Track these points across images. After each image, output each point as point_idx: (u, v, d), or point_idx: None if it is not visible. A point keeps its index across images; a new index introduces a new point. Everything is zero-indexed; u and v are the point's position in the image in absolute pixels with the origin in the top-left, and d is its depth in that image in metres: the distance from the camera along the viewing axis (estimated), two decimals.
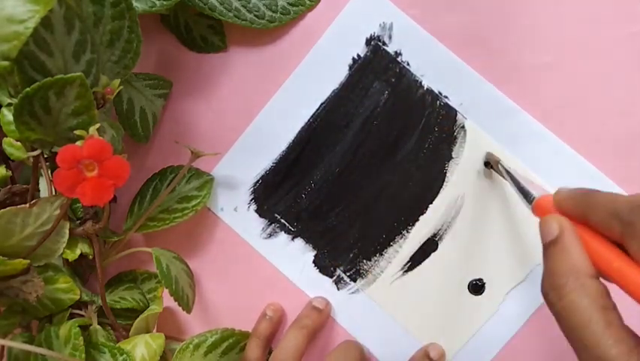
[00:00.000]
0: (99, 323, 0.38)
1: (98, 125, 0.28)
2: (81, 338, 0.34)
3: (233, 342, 0.38)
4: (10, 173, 0.37)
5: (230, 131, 0.41)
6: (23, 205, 0.31)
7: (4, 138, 0.34)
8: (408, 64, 0.39)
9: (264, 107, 0.41)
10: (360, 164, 0.40)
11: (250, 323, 0.40)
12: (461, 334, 0.39)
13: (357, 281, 0.40)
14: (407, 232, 0.40)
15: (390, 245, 0.40)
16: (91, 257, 0.37)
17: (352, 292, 0.40)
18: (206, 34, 0.41)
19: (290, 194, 0.41)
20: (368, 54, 0.40)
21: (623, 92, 0.37)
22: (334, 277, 0.41)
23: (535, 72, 0.38)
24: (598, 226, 0.23)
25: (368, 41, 0.40)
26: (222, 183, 0.41)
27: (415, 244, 0.40)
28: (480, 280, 0.39)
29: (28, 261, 0.32)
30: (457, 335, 0.39)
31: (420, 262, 0.40)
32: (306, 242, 0.41)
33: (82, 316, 0.38)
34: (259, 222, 0.41)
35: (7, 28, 0.26)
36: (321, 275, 0.41)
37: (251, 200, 0.41)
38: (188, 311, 0.38)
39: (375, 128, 0.40)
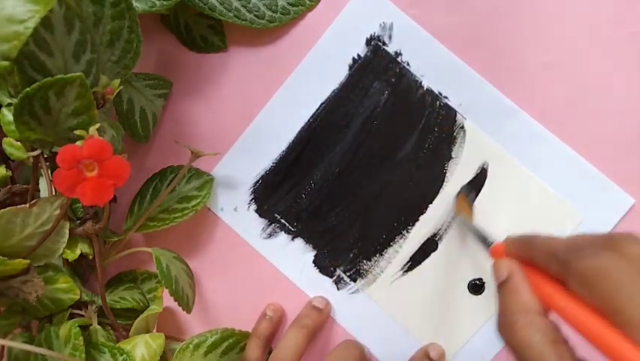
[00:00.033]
0: (99, 323, 0.38)
1: (98, 125, 0.28)
2: (81, 338, 0.34)
3: (233, 342, 0.38)
4: (10, 173, 0.37)
5: (230, 131, 0.41)
6: (23, 205, 0.31)
7: (4, 138, 0.34)
8: (408, 64, 0.39)
9: (264, 107, 0.41)
10: (360, 164, 0.40)
11: (250, 323, 0.40)
12: (461, 334, 0.39)
13: (357, 281, 0.40)
14: (407, 232, 0.40)
15: (390, 245, 0.40)
16: (91, 257, 0.37)
17: (352, 292, 0.40)
18: (206, 34, 0.41)
19: (290, 194, 0.41)
20: (368, 54, 0.40)
21: (623, 92, 0.37)
22: (334, 277, 0.41)
23: (535, 72, 0.38)
24: (541, 267, 0.25)
25: (368, 41, 0.40)
26: (222, 183, 0.41)
27: (415, 244, 0.40)
28: (480, 280, 0.39)
29: (28, 261, 0.32)
30: (457, 335, 0.39)
31: (420, 262, 0.40)
32: (306, 242, 0.41)
33: (82, 316, 0.38)
34: (259, 222, 0.41)
35: (7, 28, 0.26)
36: (321, 275, 0.41)
37: (251, 200, 0.41)
38: (188, 311, 0.38)
39: (375, 128, 0.40)
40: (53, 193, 0.34)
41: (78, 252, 0.36)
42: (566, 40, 0.38)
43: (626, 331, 0.21)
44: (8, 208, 0.31)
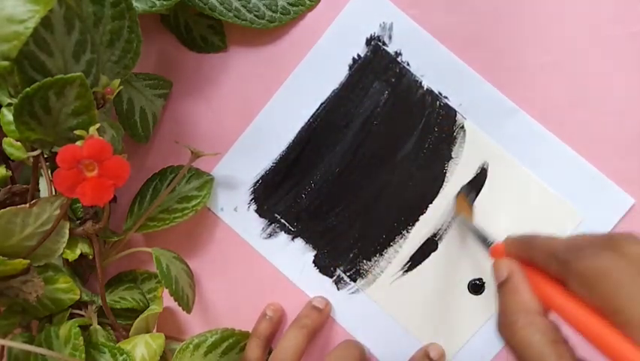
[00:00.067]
0: (99, 323, 0.38)
1: (98, 125, 0.28)
2: (81, 338, 0.34)
3: (233, 342, 0.38)
4: (10, 173, 0.37)
5: (230, 131, 0.41)
6: (23, 205, 0.31)
7: (4, 138, 0.34)
8: (408, 64, 0.39)
9: (264, 107, 0.41)
10: (360, 164, 0.40)
11: (250, 323, 0.40)
12: (461, 334, 0.39)
13: (357, 281, 0.40)
14: (407, 232, 0.40)
15: (390, 245, 0.40)
16: (91, 257, 0.37)
17: (352, 292, 0.40)
18: (206, 34, 0.41)
19: (290, 194, 0.41)
20: (368, 54, 0.40)
21: (623, 92, 0.37)
22: (334, 277, 0.41)
23: (535, 72, 0.38)
24: (541, 267, 0.25)
25: (368, 41, 0.40)
26: (222, 183, 0.41)
27: (415, 244, 0.40)
28: (480, 280, 0.39)
29: (28, 261, 0.32)
30: (457, 335, 0.39)
31: (420, 262, 0.40)
32: (306, 242, 0.41)
33: (82, 316, 0.38)
34: (259, 222, 0.41)
35: (7, 28, 0.26)
36: (321, 275, 0.41)
37: (251, 200, 0.41)
38: (188, 311, 0.38)
39: (375, 128, 0.40)
40: (53, 193, 0.34)
41: (78, 252, 0.36)
42: (566, 40, 0.38)
43: (626, 331, 0.21)
44: (8, 208, 0.31)
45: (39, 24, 0.26)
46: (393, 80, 0.39)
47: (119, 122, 0.37)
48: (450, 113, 0.39)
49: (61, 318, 0.37)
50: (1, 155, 0.37)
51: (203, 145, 0.41)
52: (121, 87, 0.31)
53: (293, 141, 0.41)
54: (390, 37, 0.39)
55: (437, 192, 0.39)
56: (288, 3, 0.39)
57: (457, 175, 0.39)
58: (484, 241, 0.32)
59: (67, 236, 0.34)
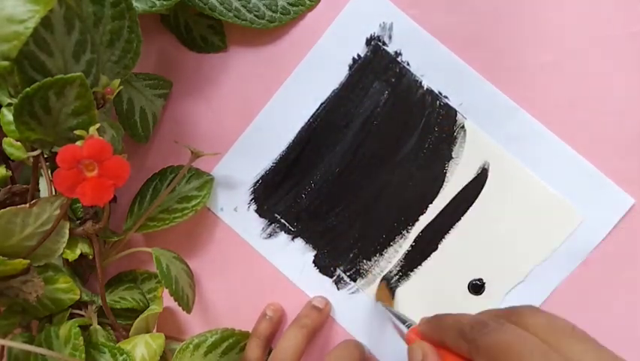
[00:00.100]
0: (99, 323, 0.38)
1: (98, 125, 0.28)
2: (81, 338, 0.34)
3: (233, 342, 0.38)
4: (10, 173, 0.37)
5: (230, 131, 0.41)
6: (23, 205, 0.31)
7: (4, 138, 0.34)
8: (408, 64, 0.39)
9: (264, 107, 0.41)
10: (360, 164, 0.40)
11: (250, 323, 0.40)
12: None
13: (357, 281, 0.40)
14: (407, 232, 0.40)
15: (390, 245, 0.40)
16: (91, 257, 0.37)
17: (352, 292, 0.40)
18: (206, 34, 0.41)
19: (290, 194, 0.41)
20: (368, 54, 0.40)
21: (623, 92, 0.37)
22: (334, 277, 0.41)
23: (536, 72, 0.38)
24: (453, 348, 0.26)
25: (368, 41, 0.40)
26: (222, 183, 0.41)
27: (415, 244, 0.40)
28: (480, 280, 0.39)
29: (28, 261, 0.32)
30: None
31: (420, 263, 0.40)
32: (306, 242, 0.41)
33: (82, 316, 0.38)
34: (259, 222, 0.41)
35: (7, 28, 0.26)
36: (321, 275, 0.41)
37: (251, 200, 0.41)
38: (188, 311, 0.38)
39: (375, 128, 0.40)
40: (53, 193, 0.34)
41: (78, 252, 0.36)
42: (566, 40, 0.38)
43: None
44: (8, 208, 0.31)
45: (39, 24, 0.26)
46: (393, 80, 0.39)
47: (119, 122, 0.37)
48: (450, 113, 0.39)
49: (61, 318, 0.37)
50: (1, 155, 0.37)
51: (203, 145, 0.41)
52: (121, 87, 0.31)
53: (293, 141, 0.41)
54: (390, 37, 0.39)
55: (437, 192, 0.39)
56: (288, 3, 0.39)
57: (458, 175, 0.39)
58: (404, 323, 0.32)
59: (67, 236, 0.34)
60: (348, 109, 0.40)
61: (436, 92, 0.39)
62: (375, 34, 0.39)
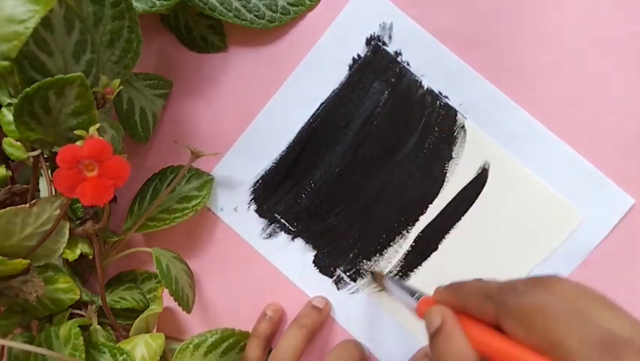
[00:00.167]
0: (99, 323, 0.38)
1: (98, 125, 0.28)
2: (81, 338, 0.34)
3: (233, 342, 0.38)
4: (10, 173, 0.37)
5: (230, 131, 0.41)
6: (23, 205, 0.31)
7: (4, 138, 0.34)
8: (408, 64, 0.39)
9: (264, 107, 0.41)
10: (360, 164, 0.40)
11: (250, 323, 0.40)
12: None
13: (357, 281, 0.40)
14: (407, 232, 0.40)
15: (390, 245, 0.40)
16: (91, 257, 0.37)
17: (352, 292, 0.40)
18: (206, 34, 0.41)
19: (290, 194, 0.41)
20: (368, 54, 0.40)
21: (623, 92, 0.37)
22: (334, 277, 0.41)
23: (536, 72, 0.38)
24: (475, 312, 0.25)
25: (368, 41, 0.40)
26: (222, 183, 0.41)
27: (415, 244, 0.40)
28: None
29: (28, 261, 0.32)
30: None
31: (420, 263, 0.40)
32: (306, 242, 0.41)
33: (82, 316, 0.38)
34: (259, 222, 0.41)
35: (7, 28, 0.26)
36: (321, 275, 0.41)
37: (251, 200, 0.41)
38: (188, 311, 0.38)
39: (375, 128, 0.40)
40: (53, 193, 0.34)
41: (78, 252, 0.36)
42: (566, 40, 0.38)
43: None
44: (8, 208, 0.31)
45: (39, 24, 0.26)
46: (393, 80, 0.39)
47: (119, 122, 0.37)
48: (450, 113, 0.39)
49: (61, 318, 0.37)
50: (1, 155, 0.37)
51: (203, 145, 0.41)
52: (121, 87, 0.31)
53: (293, 141, 0.41)
54: (390, 37, 0.39)
55: (437, 192, 0.39)
56: (288, 3, 0.39)
57: (458, 175, 0.39)
58: (413, 295, 0.31)
59: (67, 236, 0.34)
60: (348, 109, 0.40)
61: (436, 92, 0.39)
62: (375, 34, 0.39)
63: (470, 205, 0.39)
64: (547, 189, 0.38)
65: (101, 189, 0.28)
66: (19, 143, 0.33)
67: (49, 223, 0.33)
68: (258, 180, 0.41)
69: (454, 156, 0.39)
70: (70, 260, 0.36)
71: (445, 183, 0.39)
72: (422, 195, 0.40)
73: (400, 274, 0.40)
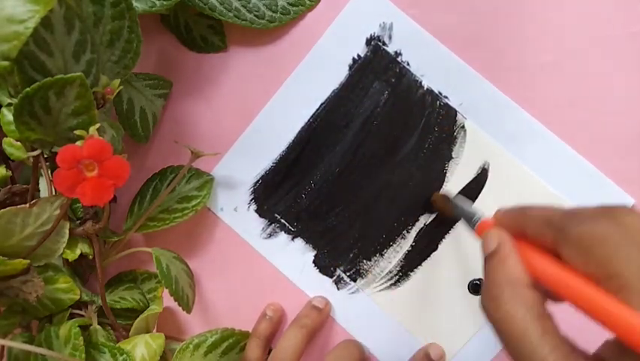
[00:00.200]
0: (99, 323, 0.38)
1: (98, 125, 0.28)
2: (81, 338, 0.34)
3: (233, 342, 0.38)
4: (10, 173, 0.37)
5: (230, 131, 0.41)
6: (23, 205, 0.31)
7: (4, 138, 0.34)
8: (408, 64, 0.39)
9: (264, 107, 0.41)
10: (360, 164, 0.40)
11: (250, 323, 0.40)
12: (461, 334, 0.39)
13: (357, 281, 0.40)
14: (407, 232, 0.40)
15: (390, 245, 0.40)
16: (91, 257, 0.37)
17: (352, 292, 0.40)
18: (206, 34, 0.41)
19: (290, 194, 0.41)
20: (368, 54, 0.40)
21: (623, 92, 0.37)
22: (334, 277, 0.41)
23: (536, 72, 0.38)
24: (534, 237, 0.24)
25: (368, 41, 0.40)
26: (222, 183, 0.41)
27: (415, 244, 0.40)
28: (480, 280, 0.39)
29: (28, 261, 0.32)
30: (457, 335, 0.39)
31: (420, 263, 0.40)
32: (306, 242, 0.41)
33: (82, 316, 0.38)
34: (259, 222, 0.41)
35: (7, 28, 0.26)
36: (321, 275, 0.41)
37: (251, 200, 0.41)
38: (188, 311, 0.38)
39: (375, 128, 0.40)
40: (53, 193, 0.34)
41: (78, 252, 0.36)
42: (566, 40, 0.38)
43: (621, 296, 0.20)
44: (8, 208, 0.31)
45: (39, 24, 0.26)
46: (393, 80, 0.39)
47: (119, 122, 0.37)
48: (450, 113, 0.39)
49: (61, 318, 0.37)
50: (1, 155, 0.37)
51: (203, 145, 0.41)
52: (121, 87, 0.31)
53: (293, 141, 0.41)
54: (390, 37, 0.39)
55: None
56: (288, 3, 0.39)
57: (458, 175, 0.39)
58: (472, 217, 0.30)
59: (67, 236, 0.34)
60: (348, 109, 0.40)
61: (436, 92, 0.39)
62: (375, 34, 0.39)
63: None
64: (547, 189, 0.38)
65: (101, 189, 0.28)
66: (19, 143, 0.33)
67: (49, 223, 0.33)
68: (258, 180, 0.41)
69: (454, 156, 0.39)
70: (70, 260, 0.36)
71: (445, 183, 0.39)
72: (422, 195, 0.40)
73: (400, 273, 0.40)
